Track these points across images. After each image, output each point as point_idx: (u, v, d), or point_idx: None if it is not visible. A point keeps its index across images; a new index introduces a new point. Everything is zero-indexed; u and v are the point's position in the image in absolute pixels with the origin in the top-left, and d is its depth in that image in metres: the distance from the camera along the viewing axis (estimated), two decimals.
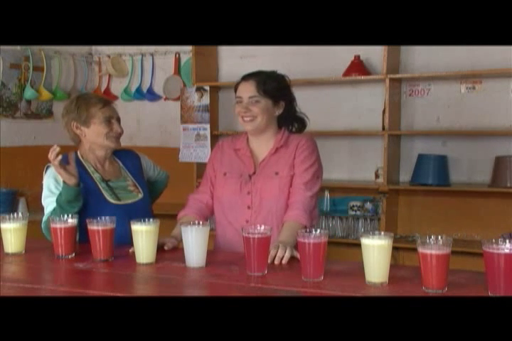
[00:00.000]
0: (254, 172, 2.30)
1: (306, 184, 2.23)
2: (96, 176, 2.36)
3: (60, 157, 2.12)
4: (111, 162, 2.44)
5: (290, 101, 2.34)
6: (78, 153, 2.40)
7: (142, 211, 2.28)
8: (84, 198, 2.26)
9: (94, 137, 2.35)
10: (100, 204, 2.30)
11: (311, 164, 2.27)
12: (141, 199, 2.40)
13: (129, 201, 2.37)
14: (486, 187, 3.72)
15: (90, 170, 2.37)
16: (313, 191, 2.24)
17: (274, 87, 2.27)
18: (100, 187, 2.34)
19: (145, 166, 2.55)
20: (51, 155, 2.12)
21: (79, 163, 2.34)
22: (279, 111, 2.30)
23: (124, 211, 2.21)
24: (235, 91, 2.32)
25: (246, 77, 2.30)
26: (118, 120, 2.40)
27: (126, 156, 2.50)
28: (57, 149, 2.12)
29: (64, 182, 2.19)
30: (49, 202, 2.28)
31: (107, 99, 2.44)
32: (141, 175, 2.49)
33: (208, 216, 2.36)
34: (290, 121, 2.36)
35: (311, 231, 1.74)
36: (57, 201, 2.21)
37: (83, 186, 2.25)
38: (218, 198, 2.33)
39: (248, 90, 2.26)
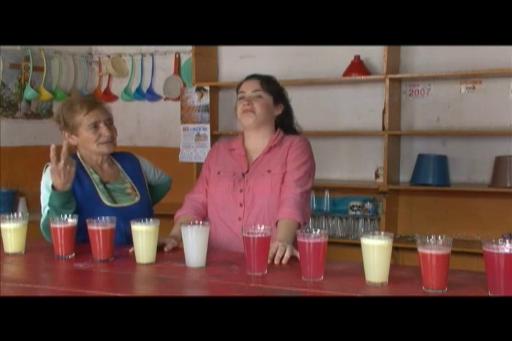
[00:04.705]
0: (247, 171, 2.31)
1: (297, 181, 2.25)
2: (95, 177, 2.34)
3: (62, 162, 2.09)
4: (110, 164, 2.42)
5: (287, 107, 2.42)
6: (78, 153, 2.39)
7: (138, 214, 2.22)
8: (80, 200, 2.25)
9: (86, 144, 2.33)
10: (96, 206, 2.27)
11: (303, 162, 2.29)
12: (137, 203, 2.38)
13: (125, 204, 2.35)
14: (486, 187, 3.72)
15: (89, 171, 2.35)
16: (304, 188, 2.25)
17: (275, 88, 2.38)
18: (97, 189, 2.32)
19: (145, 169, 2.53)
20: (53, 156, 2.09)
21: (78, 164, 2.31)
22: (277, 112, 2.37)
23: (120, 214, 2.17)
24: (237, 90, 2.37)
25: (250, 77, 2.39)
26: (107, 121, 2.33)
27: (125, 159, 2.48)
28: (53, 146, 2.07)
29: (54, 188, 2.16)
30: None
31: (92, 102, 2.34)
32: (140, 178, 2.48)
33: (204, 215, 2.37)
34: (285, 126, 2.40)
35: (311, 231, 1.74)
36: (52, 206, 2.18)
37: (80, 188, 2.26)
38: (212, 196, 2.35)
39: (252, 85, 2.34)
